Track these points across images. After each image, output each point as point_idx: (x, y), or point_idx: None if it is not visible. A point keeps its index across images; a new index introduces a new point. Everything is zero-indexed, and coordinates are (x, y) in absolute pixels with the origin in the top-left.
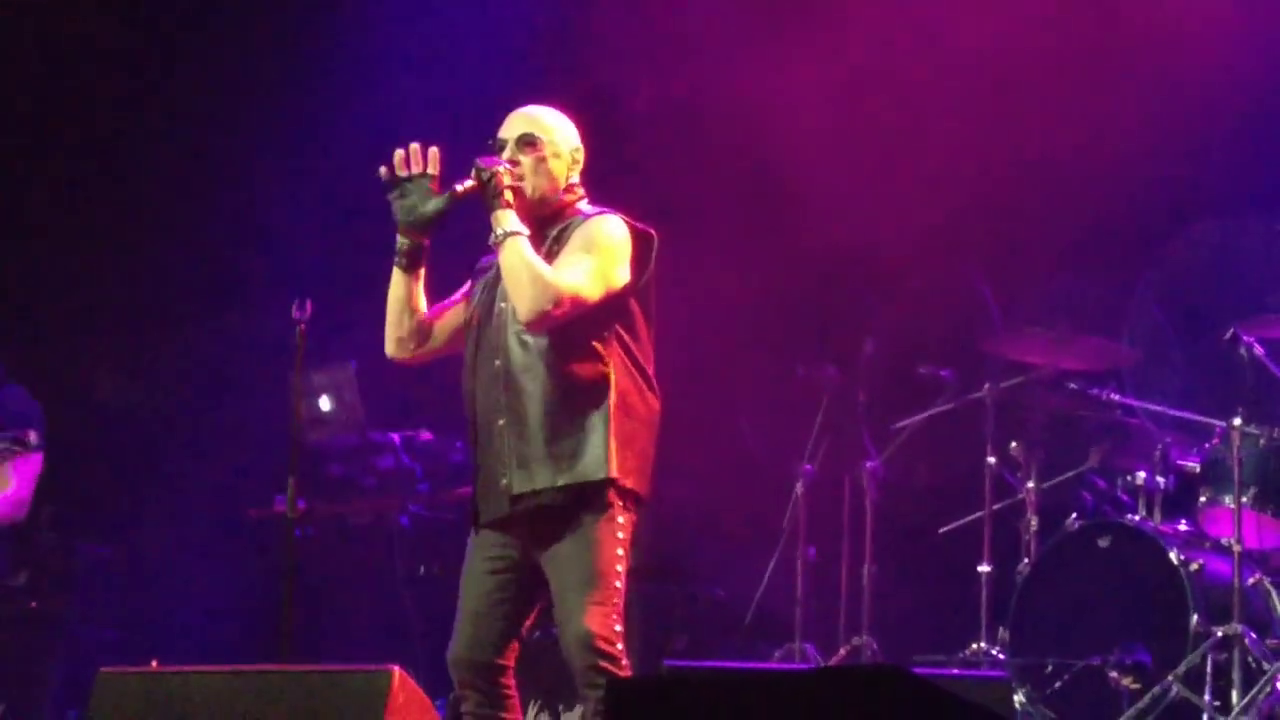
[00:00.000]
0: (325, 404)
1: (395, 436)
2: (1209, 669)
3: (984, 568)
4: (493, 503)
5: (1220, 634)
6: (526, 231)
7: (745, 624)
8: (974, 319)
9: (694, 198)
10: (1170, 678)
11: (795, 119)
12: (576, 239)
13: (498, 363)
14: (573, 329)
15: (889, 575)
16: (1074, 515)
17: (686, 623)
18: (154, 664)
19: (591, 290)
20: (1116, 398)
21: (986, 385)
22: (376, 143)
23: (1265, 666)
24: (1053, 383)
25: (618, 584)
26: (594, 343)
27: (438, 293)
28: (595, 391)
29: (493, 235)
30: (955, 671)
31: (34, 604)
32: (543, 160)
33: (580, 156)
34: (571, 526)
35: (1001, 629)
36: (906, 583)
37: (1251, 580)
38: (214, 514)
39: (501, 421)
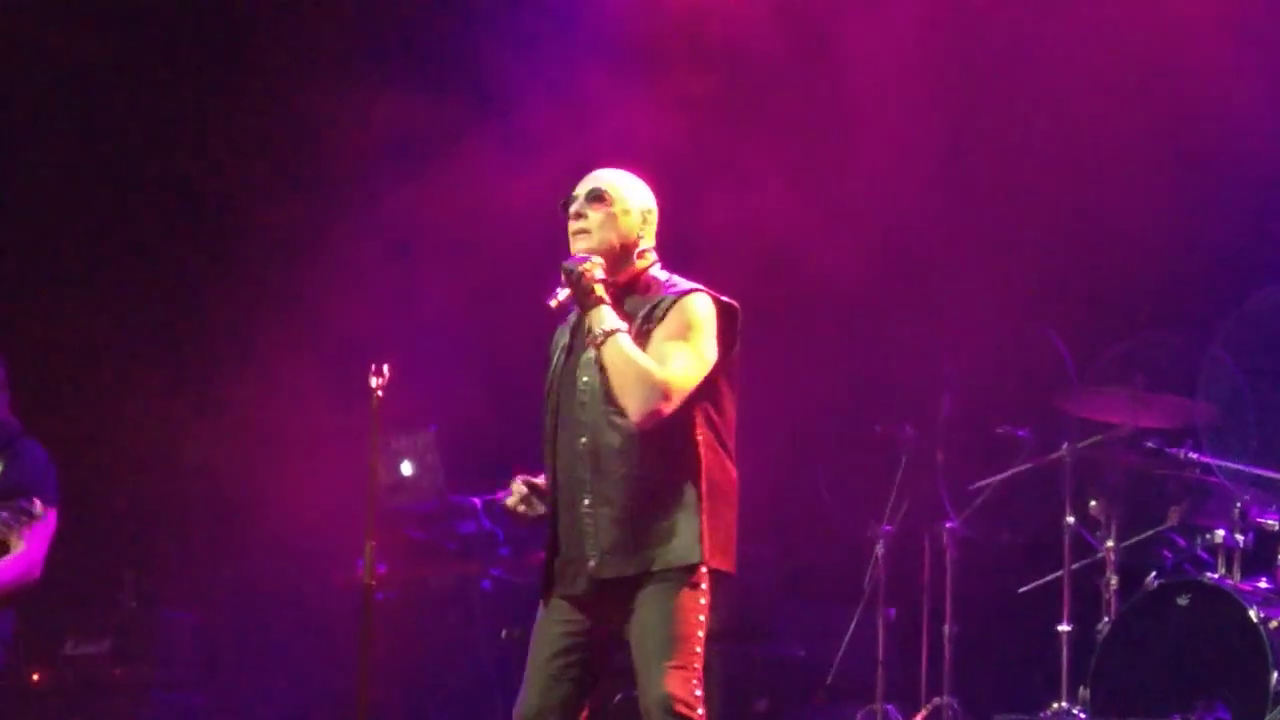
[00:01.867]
0: (407, 468)
1: (476, 500)
2: None
3: (1064, 627)
4: (571, 579)
5: None
6: (625, 327)
7: (826, 685)
8: (1051, 377)
9: (760, 251)
10: None
11: (869, 169)
12: (672, 322)
13: (584, 440)
14: None
15: (970, 635)
16: (1153, 574)
17: (767, 684)
18: None
19: (694, 380)
20: (1194, 456)
21: (1065, 444)
22: (462, 208)
23: None
24: (1130, 441)
25: (698, 649)
26: (682, 423)
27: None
28: (684, 474)
29: (591, 334)
30: None
31: (117, 671)
32: (611, 216)
33: (652, 218)
34: (655, 596)
35: (1082, 688)
36: (987, 642)
37: None
38: (298, 579)
39: (587, 501)
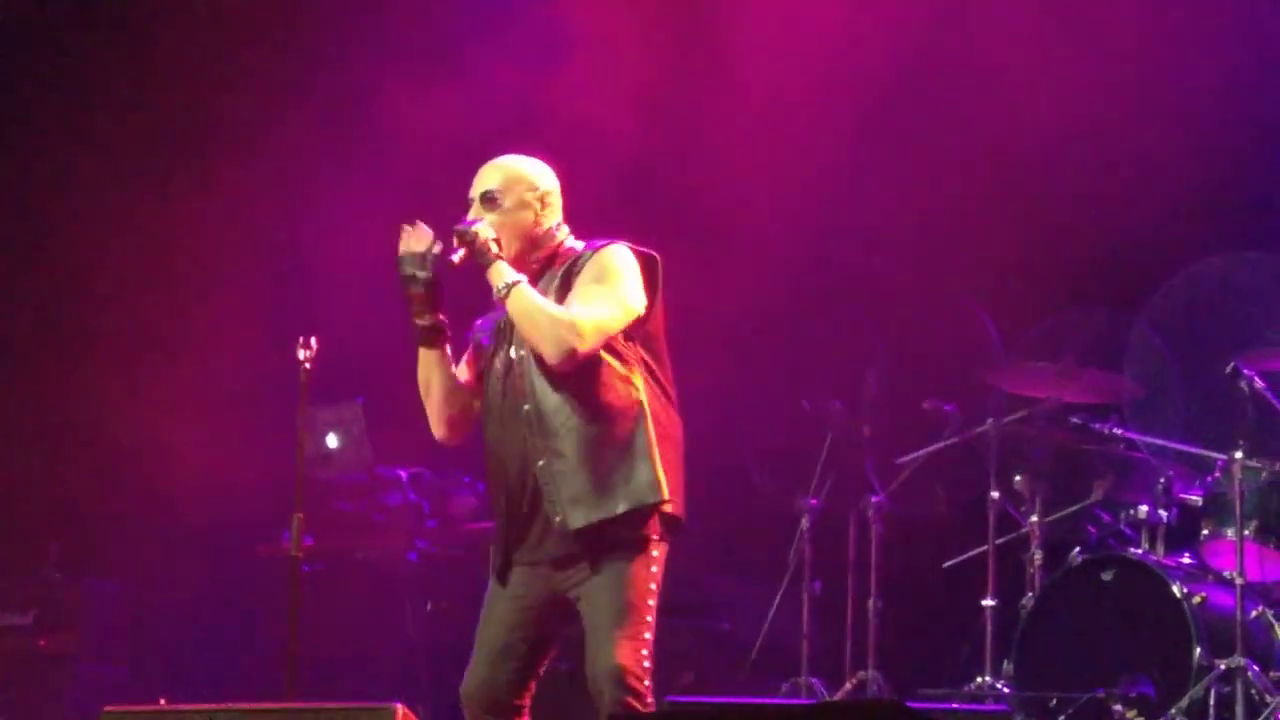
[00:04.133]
0: (333, 441)
1: (403, 473)
2: (1212, 702)
3: (988, 601)
4: (540, 545)
5: (1223, 667)
6: (524, 278)
7: (751, 658)
8: (977, 353)
9: (695, 228)
10: (1173, 711)
11: (798, 148)
12: (587, 273)
13: (527, 407)
14: (598, 360)
15: (894, 609)
16: (1077, 549)
17: (693, 657)
18: (161, 701)
19: (612, 318)
20: (1119, 431)
21: (990, 420)
22: (387, 181)
23: (1268, 699)
24: (1056, 417)
25: (649, 618)
26: (621, 370)
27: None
28: (631, 418)
29: (495, 291)
30: (956, 705)
31: (42, 642)
32: (506, 214)
33: (552, 197)
34: (606, 561)
35: (1006, 662)
36: (912, 617)
37: (1254, 613)
38: (223, 550)
39: (541, 463)
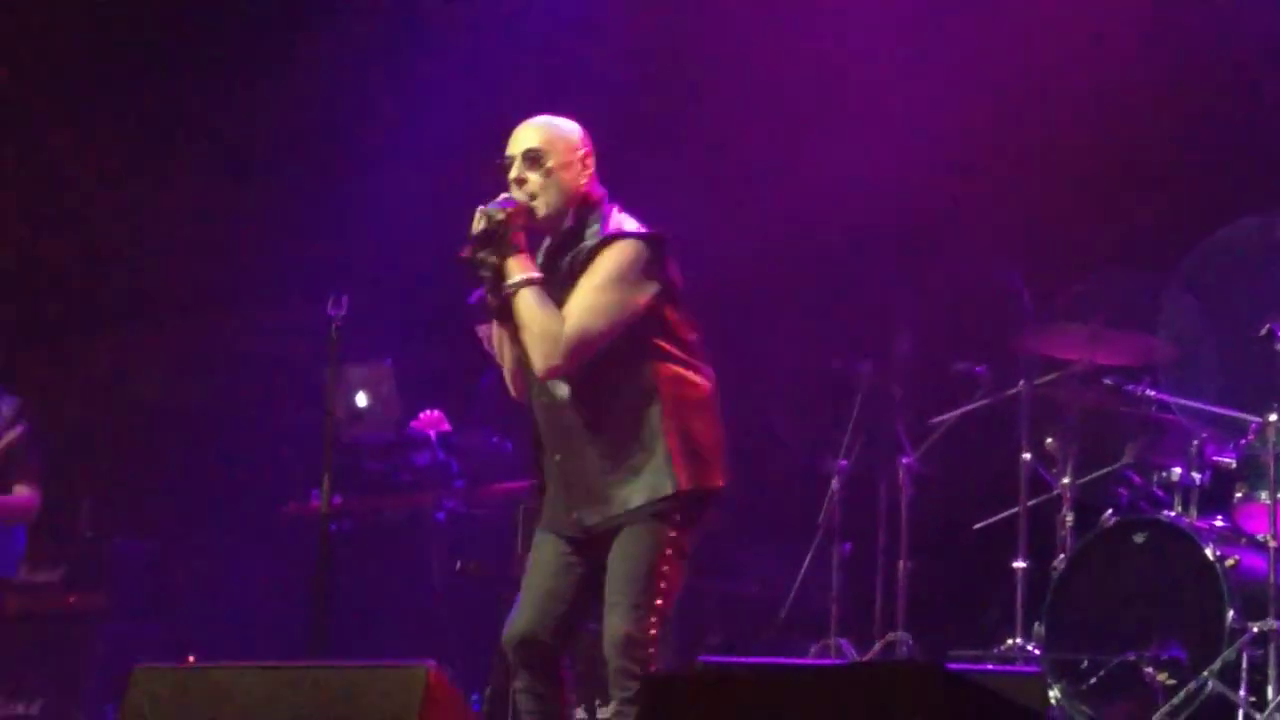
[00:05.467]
0: (362, 400)
1: (431, 432)
2: (1244, 665)
3: (1019, 564)
4: (563, 523)
5: (1256, 630)
6: (538, 276)
7: (780, 620)
8: (1009, 314)
9: (722, 191)
10: (1205, 674)
11: (830, 106)
12: (591, 272)
13: (544, 400)
14: (611, 357)
15: (924, 571)
16: (1109, 511)
17: (722, 619)
18: (190, 660)
19: (601, 331)
20: (1152, 393)
21: (1021, 381)
22: (417, 141)
23: None
24: (1088, 378)
25: (662, 585)
26: (632, 360)
27: None
28: (645, 408)
29: (504, 284)
30: (989, 667)
31: (71, 599)
32: (550, 173)
33: (590, 160)
34: (625, 536)
35: (1037, 625)
36: (942, 578)
37: None
38: (251, 509)
39: (558, 457)
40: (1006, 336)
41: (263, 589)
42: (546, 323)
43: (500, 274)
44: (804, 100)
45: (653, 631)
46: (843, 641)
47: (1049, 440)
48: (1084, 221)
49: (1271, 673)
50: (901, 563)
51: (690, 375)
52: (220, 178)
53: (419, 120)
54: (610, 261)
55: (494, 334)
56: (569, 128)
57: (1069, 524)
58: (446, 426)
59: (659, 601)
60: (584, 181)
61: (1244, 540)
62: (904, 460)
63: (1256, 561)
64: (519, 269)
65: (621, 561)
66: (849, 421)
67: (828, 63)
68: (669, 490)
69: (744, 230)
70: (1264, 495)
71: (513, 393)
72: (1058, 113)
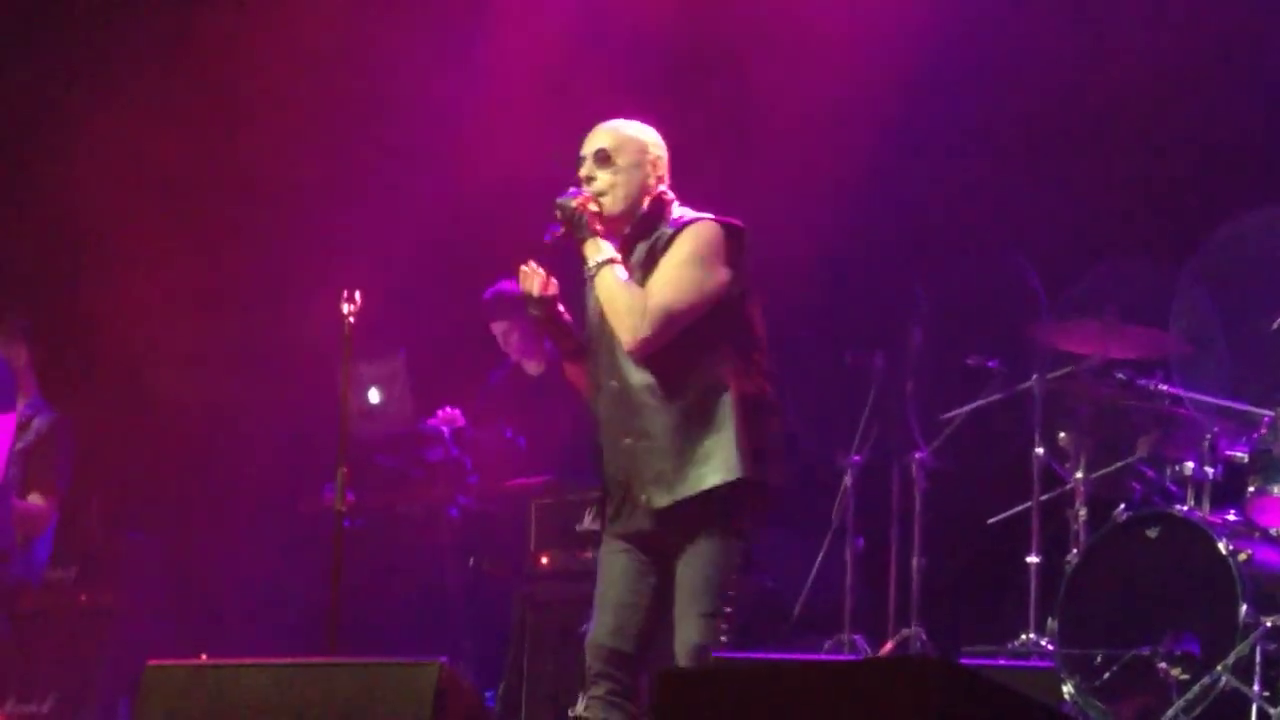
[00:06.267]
0: (374, 396)
1: (445, 428)
2: (1258, 659)
3: (1032, 558)
4: (631, 517)
5: (1269, 624)
6: (618, 258)
7: (794, 615)
8: (1022, 308)
9: (744, 184)
10: (1219, 668)
11: (843, 98)
12: (672, 253)
13: (614, 383)
14: (681, 339)
15: (938, 566)
16: (1122, 506)
17: (735, 613)
18: (203, 657)
19: (685, 303)
20: (1165, 387)
21: (1034, 375)
22: (430, 138)
23: None
24: (1101, 372)
25: (730, 593)
26: (707, 347)
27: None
28: (715, 396)
29: (585, 267)
30: (1002, 662)
31: (83, 597)
32: (620, 172)
33: (662, 163)
34: (699, 535)
35: (1050, 620)
36: (955, 573)
37: None
38: (265, 505)
39: (628, 440)
40: (1019, 330)
41: (276, 585)
42: (631, 298)
43: (558, 328)
44: (816, 94)
45: (723, 639)
46: (856, 637)
47: (1061, 435)
48: (1096, 214)
49: None
50: (915, 558)
51: (757, 376)
52: (231, 173)
53: (434, 115)
54: (692, 242)
55: (568, 371)
56: (641, 131)
57: (1082, 518)
58: (462, 422)
59: (728, 609)
60: (652, 183)
61: (1257, 534)
62: (917, 455)
63: (1270, 555)
64: (598, 251)
65: (690, 570)
66: (862, 416)
67: (839, 57)
68: (739, 475)
69: (756, 223)
70: (1277, 489)
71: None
72: (1072, 105)
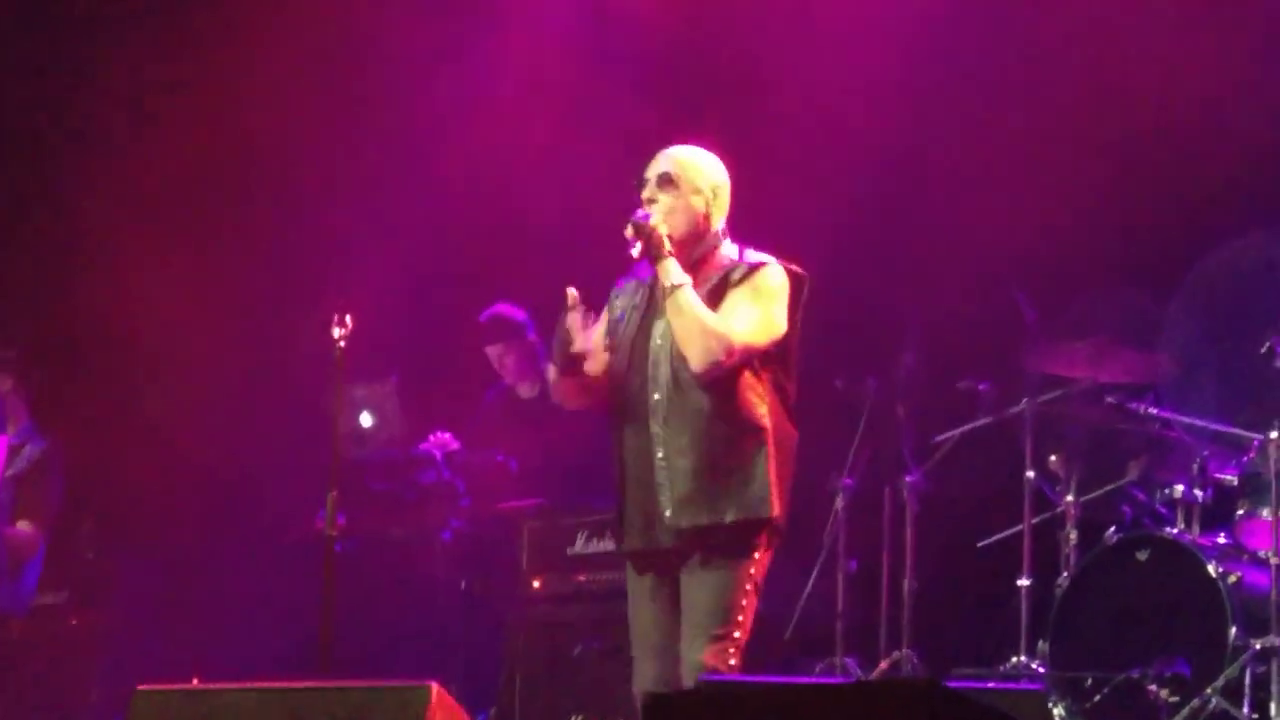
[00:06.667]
0: (366, 419)
1: (437, 451)
2: (1248, 681)
3: (1023, 581)
4: (647, 533)
5: (1259, 646)
6: (689, 280)
7: (786, 637)
8: (1013, 331)
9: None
10: (1209, 690)
11: (831, 124)
12: (743, 288)
13: (657, 397)
14: (735, 371)
15: (930, 589)
16: (1113, 528)
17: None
18: (195, 681)
19: (760, 339)
20: (1154, 411)
21: (1025, 399)
22: (425, 161)
23: None
24: (1091, 396)
25: (741, 618)
26: (753, 383)
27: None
28: (754, 429)
29: (661, 287)
30: (992, 685)
31: (74, 620)
32: (682, 197)
33: (723, 193)
34: (714, 560)
35: (1041, 642)
36: (947, 596)
37: None
38: (257, 529)
39: (660, 454)
40: (1010, 354)
41: (268, 609)
42: (711, 322)
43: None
44: (807, 117)
45: (732, 663)
46: (848, 660)
47: (1052, 458)
48: (1087, 238)
49: (1275, 689)
50: (906, 580)
51: (789, 424)
52: (220, 199)
53: (431, 138)
54: (771, 283)
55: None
56: (706, 159)
57: (1072, 541)
58: (455, 445)
59: (738, 634)
60: (713, 212)
61: (1246, 557)
62: (908, 478)
63: (1259, 578)
64: (674, 271)
65: (703, 592)
66: (854, 439)
67: (836, 84)
68: (764, 514)
69: (752, 246)
70: (1266, 512)
71: (557, 397)
72: (1062, 129)
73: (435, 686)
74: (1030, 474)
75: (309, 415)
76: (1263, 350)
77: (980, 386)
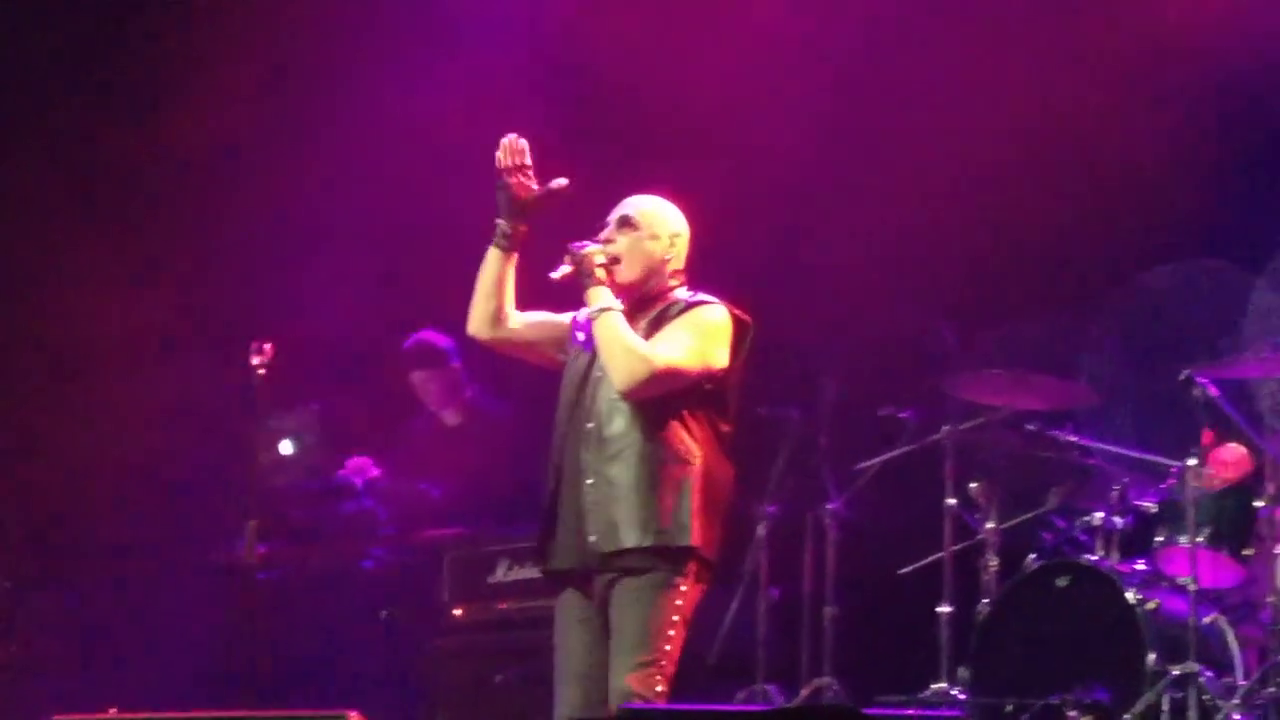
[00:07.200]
0: (286, 448)
1: (357, 479)
2: (1166, 707)
3: (944, 608)
4: (571, 553)
5: (1176, 672)
6: (620, 306)
7: (708, 665)
8: (935, 360)
9: None
10: (1127, 717)
11: (755, 149)
12: (679, 320)
13: (590, 425)
14: (667, 403)
15: (851, 616)
16: (1033, 555)
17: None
18: (112, 711)
19: (686, 366)
20: (1075, 438)
21: (945, 427)
22: (343, 187)
23: (1220, 704)
24: (1012, 423)
25: (667, 648)
26: (685, 417)
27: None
28: (684, 463)
29: (588, 311)
30: (913, 711)
31: None
32: (640, 240)
33: (681, 242)
34: (641, 587)
35: (962, 669)
36: (869, 623)
37: (1207, 619)
38: (175, 559)
39: (590, 481)
40: (932, 382)
41: (187, 639)
42: (634, 343)
43: (511, 206)
44: (720, 148)
45: (659, 689)
46: (770, 687)
47: (973, 485)
48: (1007, 268)
49: (1192, 715)
50: (828, 608)
51: (724, 462)
52: (138, 221)
53: (351, 166)
54: (705, 317)
55: (485, 262)
56: (668, 210)
57: (993, 568)
58: (374, 473)
59: (664, 662)
60: (668, 259)
61: (1165, 584)
62: (830, 505)
63: (1177, 605)
64: (602, 297)
65: (630, 620)
66: (776, 467)
67: (747, 109)
68: (683, 542)
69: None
70: (1184, 539)
71: (471, 326)
72: (980, 159)
73: (355, 716)
74: (951, 501)
75: (229, 444)
76: (1181, 378)
77: (902, 415)
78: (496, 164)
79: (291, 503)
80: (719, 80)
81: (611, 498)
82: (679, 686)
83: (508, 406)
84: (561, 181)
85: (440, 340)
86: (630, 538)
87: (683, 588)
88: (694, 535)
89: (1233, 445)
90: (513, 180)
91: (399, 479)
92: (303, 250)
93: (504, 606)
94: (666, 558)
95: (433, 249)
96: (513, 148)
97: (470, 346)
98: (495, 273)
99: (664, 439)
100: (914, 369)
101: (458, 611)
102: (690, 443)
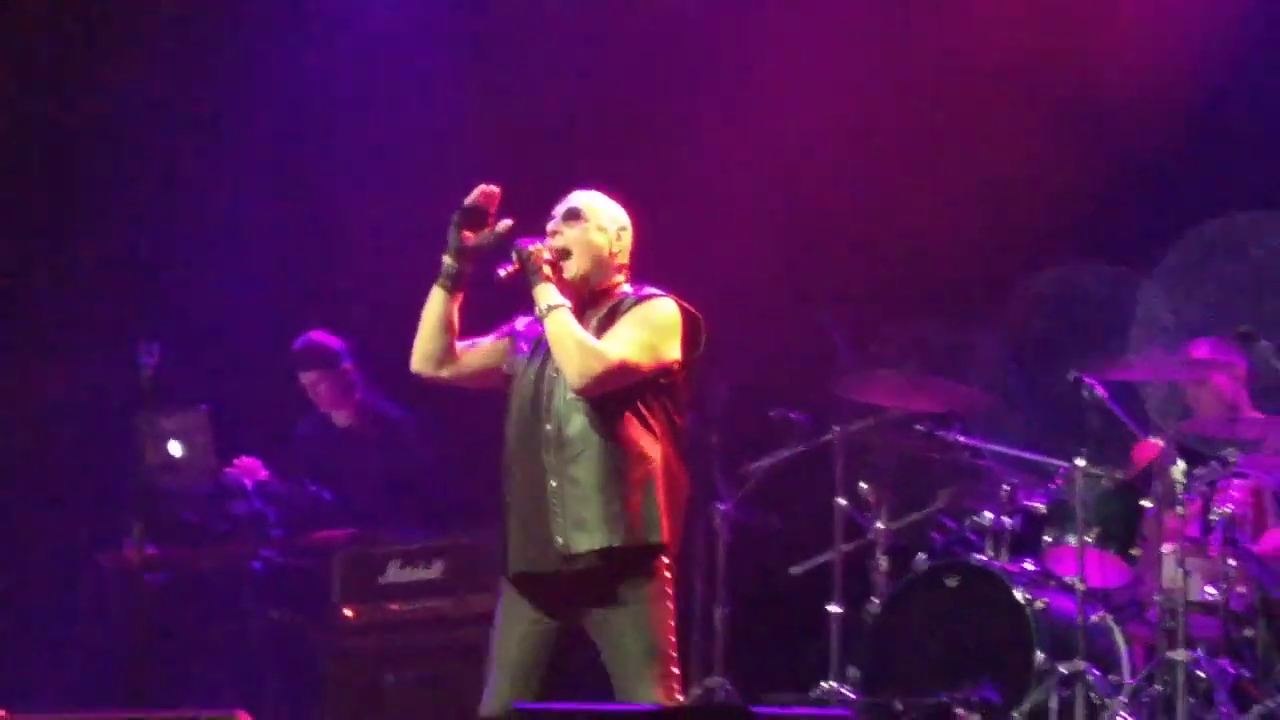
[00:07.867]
0: (175, 449)
1: (247, 480)
2: (1054, 705)
3: (834, 608)
4: (537, 558)
5: (1064, 671)
6: (568, 304)
7: (600, 665)
8: (826, 361)
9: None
10: (1015, 714)
11: (652, 160)
12: (630, 315)
13: (549, 427)
14: (624, 399)
15: (742, 616)
16: (922, 555)
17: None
18: (2, 713)
19: (639, 360)
20: (964, 439)
21: (835, 427)
22: (233, 178)
23: (1108, 702)
24: (902, 424)
25: (673, 652)
26: (644, 414)
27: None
28: (644, 460)
29: (537, 310)
30: (799, 710)
31: None
32: (586, 233)
33: (626, 235)
34: (626, 595)
35: (852, 668)
36: (759, 623)
37: (1095, 618)
38: (65, 560)
39: (553, 483)
40: (822, 383)
41: (77, 640)
42: (585, 338)
43: (459, 249)
44: (638, 151)
45: (679, 696)
46: None
47: (863, 485)
48: (898, 269)
49: (1080, 713)
50: (719, 608)
51: (679, 460)
52: (26, 217)
53: (232, 160)
54: (656, 311)
55: (429, 300)
56: (614, 205)
57: (883, 568)
58: (264, 474)
59: (675, 669)
60: (615, 253)
61: (1053, 583)
62: (721, 506)
63: (1065, 604)
64: (550, 294)
65: (633, 631)
66: None
67: (652, 104)
68: (654, 540)
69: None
70: (1072, 539)
71: (421, 365)
72: (874, 160)
73: (244, 717)
74: (841, 501)
75: (117, 444)
76: (1069, 379)
77: (792, 415)
78: (465, 201)
79: (180, 504)
80: (624, 74)
81: (577, 498)
82: (571, 687)
83: (405, 410)
84: (507, 223)
85: (331, 341)
86: (599, 538)
87: (669, 589)
88: (663, 532)
89: (1154, 440)
90: (470, 220)
91: (289, 480)
92: (193, 249)
93: (395, 608)
94: (638, 556)
95: (324, 248)
96: (486, 192)
97: (362, 350)
98: (440, 312)
99: (625, 436)
100: (805, 370)
101: (348, 612)
102: (650, 439)
